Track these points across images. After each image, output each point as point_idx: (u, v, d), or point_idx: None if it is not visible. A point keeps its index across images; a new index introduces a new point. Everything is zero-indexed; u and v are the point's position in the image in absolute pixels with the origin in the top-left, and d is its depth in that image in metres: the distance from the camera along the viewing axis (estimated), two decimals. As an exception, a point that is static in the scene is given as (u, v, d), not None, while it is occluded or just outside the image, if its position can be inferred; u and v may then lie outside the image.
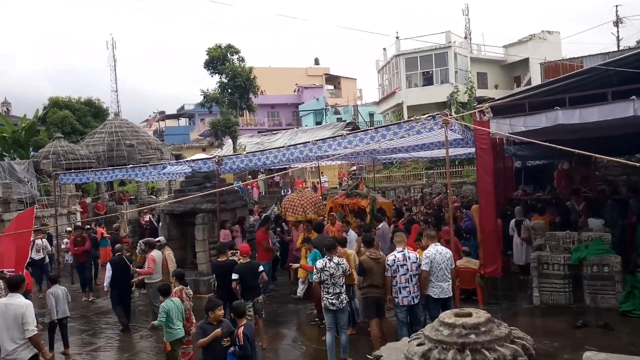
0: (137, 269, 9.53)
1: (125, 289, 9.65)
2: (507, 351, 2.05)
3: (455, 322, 2.16)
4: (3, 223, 17.57)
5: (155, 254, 9.52)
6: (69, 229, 14.57)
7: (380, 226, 10.74)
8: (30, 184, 20.94)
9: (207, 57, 26.90)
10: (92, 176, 14.05)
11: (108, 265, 9.87)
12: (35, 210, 10.57)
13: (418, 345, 2.21)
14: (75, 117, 32.23)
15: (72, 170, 16.68)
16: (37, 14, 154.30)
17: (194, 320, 7.28)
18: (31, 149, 29.46)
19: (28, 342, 5.85)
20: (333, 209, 12.76)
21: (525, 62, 33.27)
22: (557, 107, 8.39)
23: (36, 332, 5.88)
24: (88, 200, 22.88)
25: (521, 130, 8.73)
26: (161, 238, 10.77)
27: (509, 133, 8.60)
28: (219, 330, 5.62)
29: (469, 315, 2.24)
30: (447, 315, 2.25)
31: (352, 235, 10.15)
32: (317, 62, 57.59)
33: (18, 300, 5.88)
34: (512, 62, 34.75)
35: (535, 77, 30.25)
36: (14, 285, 6.05)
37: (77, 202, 20.48)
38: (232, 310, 5.85)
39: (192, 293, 7.62)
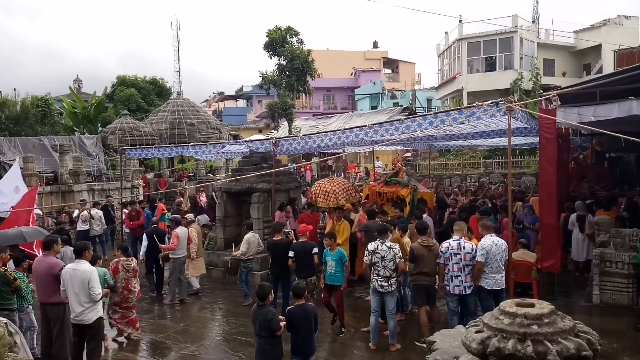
0: (162, 245, 10.08)
1: (157, 259, 10.27)
2: (571, 344, 2.00)
3: (517, 311, 2.12)
4: (73, 194, 18.71)
5: (179, 230, 10.00)
6: (123, 201, 15.35)
7: (423, 217, 9.97)
8: (98, 158, 22.13)
9: (266, 38, 27.15)
10: (155, 152, 14.67)
11: (144, 236, 10.63)
12: (38, 189, 11.81)
13: (476, 332, 2.19)
14: (141, 95, 33.58)
15: (137, 146, 17.46)
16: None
17: (132, 288, 7.81)
18: (99, 124, 31.07)
19: (94, 305, 6.26)
20: (370, 197, 11.88)
21: (597, 49, 31.36)
22: (632, 97, 7.92)
23: (102, 295, 6.29)
24: (150, 175, 23.92)
25: (590, 120, 8.32)
26: (189, 215, 11.31)
27: (577, 123, 8.21)
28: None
29: (532, 305, 2.19)
30: (508, 305, 2.21)
31: None
32: (375, 45, 56.84)
33: (84, 266, 6.27)
34: (582, 49, 32.85)
35: (608, 65, 28.47)
36: (78, 252, 6.45)
37: (140, 177, 21.46)
38: (292, 291, 5.94)
39: (131, 265, 7.86)
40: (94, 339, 6.41)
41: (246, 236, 9.67)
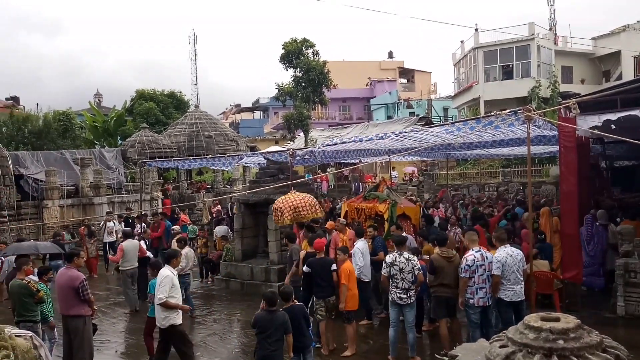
0: (110, 256, 10.87)
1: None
2: (598, 360, 1.96)
3: (542, 326, 2.08)
4: (93, 207, 19.00)
5: (126, 243, 10.36)
6: (134, 215, 15.70)
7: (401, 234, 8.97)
8: (118, 170, 22.45)
9: (282, 51, 27.40)
10: (174, 164, 15.00)
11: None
12: None
13: (500, 347, 2.15)
14: (159, 108, 34.04)
15: (156, 159, 17.70)
16: (125, 9, 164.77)
17: None
18: (119, 138, 31.54)
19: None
20: (349, 214, 11.08)
21: (616, 55, 30.93)
22: (654, 104, 7.78)
23: (163, 300, 6.48)
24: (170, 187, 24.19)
25: (611, 128, 8.18)
26: (176, 227, 11.98)
27: (598, 131, 8.07)
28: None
29: (557, 319, 2.15)
30: (533, 319, 2.17)
31: (359, 245, 8.67)
32: (391, 55, 56.83)
33: (161, 271, 6.79)
34: (601, 55, 32.43)
35: (628, 71, 28.08)
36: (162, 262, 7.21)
37: (159, 189, 21.72)
38: (280, 295, 6.14)
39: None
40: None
41: (183, 251, 9.69)
